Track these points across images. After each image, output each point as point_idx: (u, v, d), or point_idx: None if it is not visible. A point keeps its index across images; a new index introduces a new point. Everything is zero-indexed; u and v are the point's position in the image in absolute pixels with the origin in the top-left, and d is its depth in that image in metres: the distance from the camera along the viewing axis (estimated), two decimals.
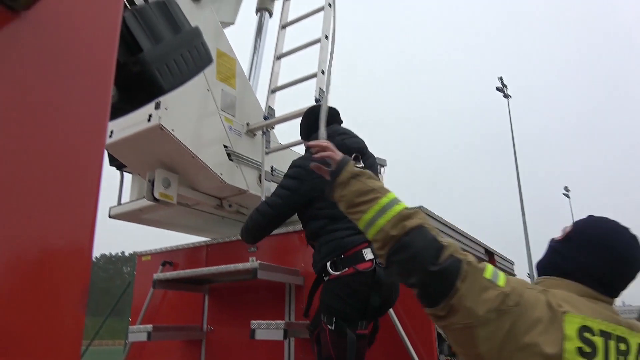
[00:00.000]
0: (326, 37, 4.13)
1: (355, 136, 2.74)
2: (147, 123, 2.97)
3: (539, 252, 1.50)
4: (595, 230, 1.34)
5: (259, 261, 2.88)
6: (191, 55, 0.89)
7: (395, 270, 1.37)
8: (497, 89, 22.95)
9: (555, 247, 1.40)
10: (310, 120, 2.80)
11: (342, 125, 2.84)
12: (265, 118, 3.87)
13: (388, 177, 5.10)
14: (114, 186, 3.96)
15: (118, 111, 0.81)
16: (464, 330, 1.21)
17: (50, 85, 0.60)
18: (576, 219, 1.47)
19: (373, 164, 2.74)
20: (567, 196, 37.32)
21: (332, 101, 3.93)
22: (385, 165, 5.32)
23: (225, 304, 3.63)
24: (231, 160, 3.52)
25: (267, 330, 2.67)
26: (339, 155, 1.63)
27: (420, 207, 3.03)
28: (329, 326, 2.20)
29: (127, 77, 0.77)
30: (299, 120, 3.13)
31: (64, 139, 0.61)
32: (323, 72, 3.95)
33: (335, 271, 2.25)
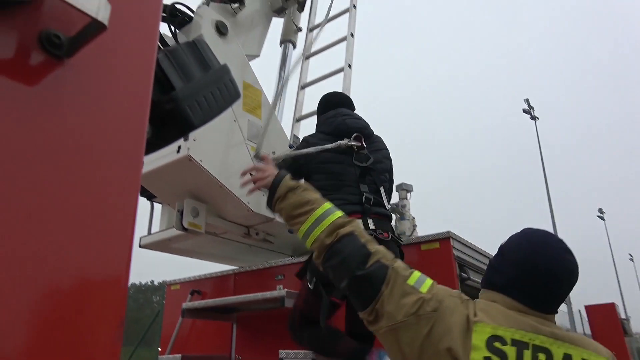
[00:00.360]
0: (349, 65, 4.21)
1: (359, 118, 2.86)
2: (176, 154, 3.05)
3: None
4: (522, 244, 1.33)
5: (286, 289, 2.88)
6: (220, 91, 0.93)
7: (330, 276, 1.44)
8: (524, 110, 22.67)
9: (491, 261, 1.41)
10: (321, 107, 3.08)
11: (354, 111, 3.01)
12: (291, 147, 3.92)
13: (415, 201, 5.05)
14: (144, 216, 4.05)
15: (152, 146, 0.84)
16: (389, 335, 1.26)
17: (91, 124, 0.64)
18: (612, 242, 1.44)
19: (380, 148, 2.80)
20: (602, 218, 36.08)
21: None
22: (412, 190, 5.30)
23: (253, 332, 3.62)
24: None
25: None
26: (274, 173, 1.75)
27: (448, 232, 2.99)
28: (309, 284, 2.37)
29: (160, 114, 0.81)
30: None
31: (103, 173, 0.65)
32: (350, 65, 4.00)
33: None
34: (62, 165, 0.60)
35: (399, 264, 1.36)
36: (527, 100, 22.81)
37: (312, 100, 4.37)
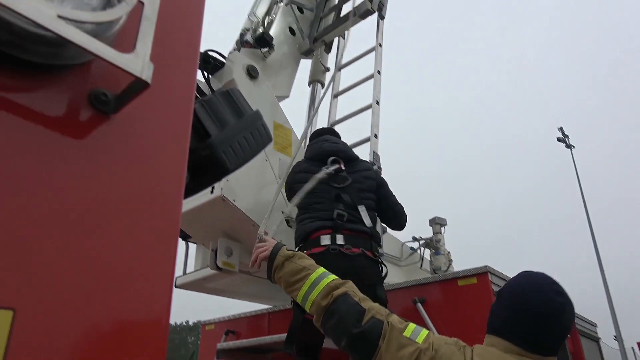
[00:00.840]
0: (377, 102, 4.27)
1: (337, 142, 3.12)
2: (210, 195, 3.13)
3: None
4: (517, 287, 1.35)
5: None
6: (253, 136, 0.97)
7: (331, 338, 1.49)
8: (558, 139, 22.19)
9: (491, 305, 1.42)
10: (310, 139, 3.42)
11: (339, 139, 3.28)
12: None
13: (450, 236, 4.96)
14: (179, 256, 4.13)
15: (189, 191, 0.88)
16: None
17: (135, 173, 0.68)
18: None
19: (362, 169, 2.95)
20: None
21: (389, 161, 3.99)
22: (446, 224, 5.21)
23: None
24: (289, 226, 3.59)
25: None
26: (271, 246, 1.85)
27: (486, 267, 2.91)
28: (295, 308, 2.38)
29: (197, 160, 0.85)
30: None
31: (145, 218, 0.68)
32: (376, 135, 4.06)
33: None
34: (109, 211, 0.64)
35: (394, 317, 1.41)
36: (561, 129, 22.35)
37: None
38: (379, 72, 4.43)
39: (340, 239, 2.49)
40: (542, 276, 1.35)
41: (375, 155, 3.90)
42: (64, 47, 0.59)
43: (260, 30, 4.10)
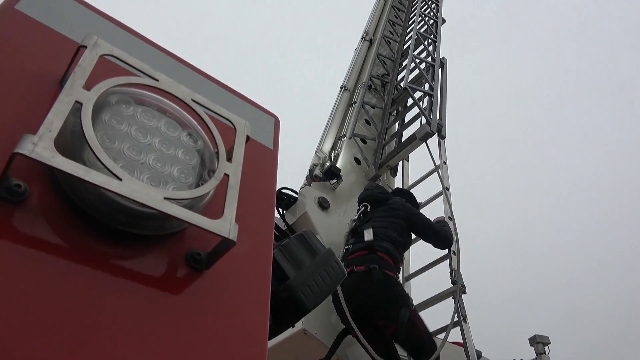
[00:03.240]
0: (450, 218, 4.24)
1: (372, 189, 3.89)
2: (291, 329, 3.13)
3: None
4: None
5: None
6: (327, 273, 1.03)
7: None
8: None
9: None
10: None
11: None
12: None
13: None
14: None
15: (272, 332, 0.93)
16: None
17: (225, 321, 0.75)
18: None
19: (391, 204, 3.60)
20: None
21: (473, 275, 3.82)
22: (549, 342, 4.69)
23: None
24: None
25: None
26: None
27: None
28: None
29: (277, 302, 0.91)
30: (435, 305, 3.22)
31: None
32: (454, 252, 3.96)
33: None
34: (203, 357, 0.70)
35: None
36: None
37: (417, 258, 4.37)
38: (447, 189, 4.48)
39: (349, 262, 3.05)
40: None
41: (456, 273, 3.77)
42: (168, 221, 0.72)
43: (328, 164, 4.40)
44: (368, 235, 3.17)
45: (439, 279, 3.86)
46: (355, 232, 3.40)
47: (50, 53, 0.82)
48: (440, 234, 3.66)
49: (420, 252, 4.43)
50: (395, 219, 3.44)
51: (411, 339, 2.89)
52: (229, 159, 0.78)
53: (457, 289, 3.55)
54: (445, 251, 3.83)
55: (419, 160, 5.13)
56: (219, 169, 0.76)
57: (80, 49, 0.74)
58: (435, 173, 4.65)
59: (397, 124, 5.80)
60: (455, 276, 3.71)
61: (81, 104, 0.66)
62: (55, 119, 0.62)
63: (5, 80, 0.74)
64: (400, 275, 4.02)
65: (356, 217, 3.56)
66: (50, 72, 0.79)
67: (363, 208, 3.58)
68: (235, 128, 0.83)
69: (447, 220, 4.17)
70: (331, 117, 5.44)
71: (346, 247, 3.24)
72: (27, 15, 0.83)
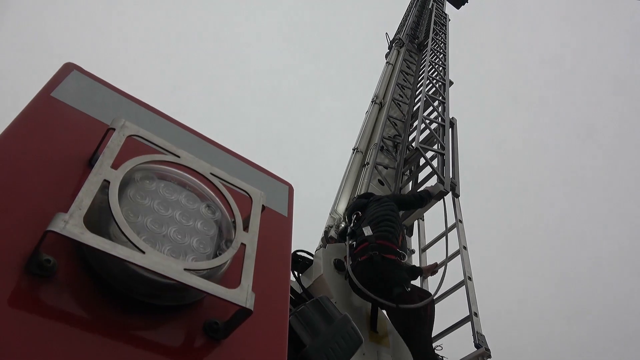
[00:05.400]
0: (469, 278, 4.16)
1: (362, 197, 4.21)
2: None
3: None
4: None
5: None
6: (344, 339, 1.03)
7: None
8: None
9: None
10: None
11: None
12: None
13: None
14: None
15: None
16: None
17: None
18: None
19: (376, 200, 3.93)
20: None
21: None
22: None
23: None
24: None
25: None
26: None
27: None
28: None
29: None
30: None
31: None
32: (476, 314, 3.84)
33: None
34: None
35: None
36: None
37: (437, 319, 4.23)
38: (465, 248, 4.42)
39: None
40: None
41: (480, 337, 3.63)
42: (187, 291, 0.74)
43: (342, 225, 4.41)
44: (367, 231, 3.51)
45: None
46: (354, 234, 3.69)
47: (80, 135, 0.89)
48: (411, 195, 4.52)
49: (440, 310, 4.31)
50: (386, 205, 3.89)
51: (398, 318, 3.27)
52: (246, 228, 0.82)
53: (482, 353, 3.41)
54: (466, 313, 3.71)
55: (434, 220, 5.11)
56: (236, 238, 0.79)
57: (109, 131, 0.80)
58: (450, 231, 4.61)
59: (410, 183, 5.84)
60: (479, 340, 3.57)
61: (109, 182, 0.71)
62: (85, 197, 0.67)
63: (39, 162, 0.80)
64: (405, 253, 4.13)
65: (351, 224, 3.88)
66: (79, 152, 0.85)
67: (355, 215, 3.95)
68: (251, 198, 0.88)
69: (467, 280, 4.09)
70: (345, 179, 5.50)
71: (351, 242, 3.61)
72: (62, 101, 0.91)
